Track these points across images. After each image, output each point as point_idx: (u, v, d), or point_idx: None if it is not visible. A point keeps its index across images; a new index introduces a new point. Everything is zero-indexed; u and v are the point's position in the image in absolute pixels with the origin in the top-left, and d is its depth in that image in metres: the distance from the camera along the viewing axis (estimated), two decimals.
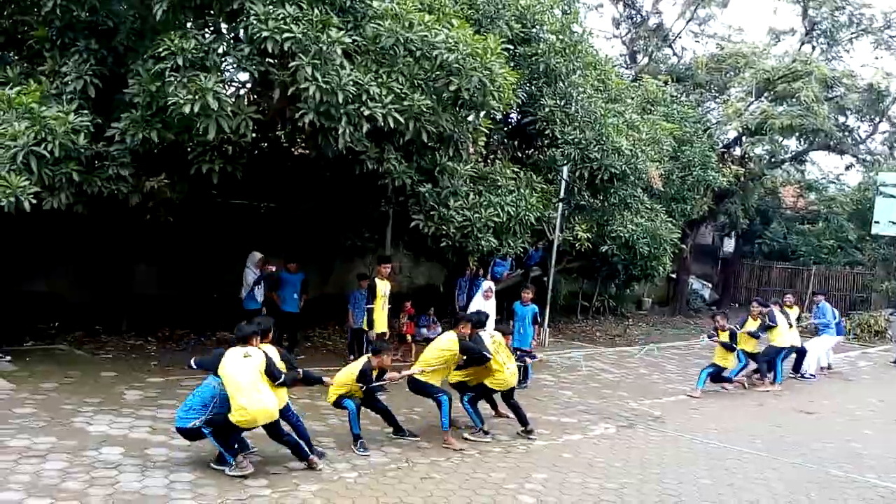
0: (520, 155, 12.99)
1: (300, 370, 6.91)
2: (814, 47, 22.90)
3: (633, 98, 15.97)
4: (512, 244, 10.80)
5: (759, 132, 20.33)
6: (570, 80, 12.00)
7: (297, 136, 10.36)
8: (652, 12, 24.42)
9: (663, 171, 15.29)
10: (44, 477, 5.81)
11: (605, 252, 14.92)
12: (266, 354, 6.34)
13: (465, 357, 7.73)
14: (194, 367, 6.52)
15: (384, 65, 8.49)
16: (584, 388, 11.11)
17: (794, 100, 20.20)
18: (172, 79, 7.75)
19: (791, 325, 12.71)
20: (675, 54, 24.96)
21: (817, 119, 19.64)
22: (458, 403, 7.97)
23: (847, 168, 26.21)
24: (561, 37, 11.89)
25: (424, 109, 8.46)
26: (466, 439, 7.77)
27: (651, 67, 22.71)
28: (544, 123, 11.79)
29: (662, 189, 15.88)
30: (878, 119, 23.58)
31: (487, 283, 11.99)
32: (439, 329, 8.27)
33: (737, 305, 25.47)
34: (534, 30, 11.85)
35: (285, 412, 6.66)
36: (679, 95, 20.86)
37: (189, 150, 8.76)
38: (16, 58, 9.39)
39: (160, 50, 7.86)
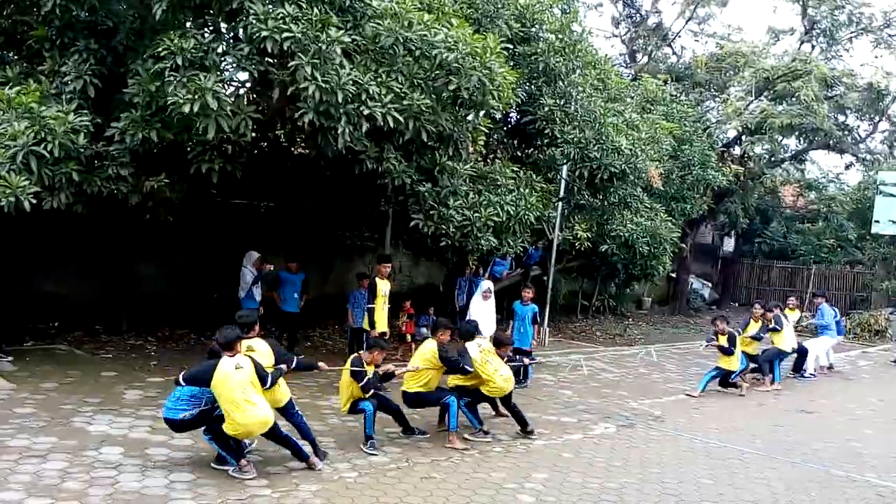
0: (519, 154, 12.98)
1: (293, 358, 6.84)
2: (813, 46, 22.90)
3: (632, 97, 15.98)
4: (511, 243, 10.80)
5: (759, 131, 20.33)
6: (570, 79, 11.99)
7: (296, 135, 10.37)
8: (651, 11, 24.45)
9: (663, 171, 15.30)
10: (44, 477, 5.81)
11: (604, 251, 14.92)
12: (252, 361, 6.19)
13: (445, 366, 7.67)
14: (183, 383, 6.17)
15: (384, 64, 8.48)
16: (584, 387, 11.11)
17: (793, 99, 20.20)
18: (172, 78, 7.74)
19: (792, 328, 12.78)
20: (674, 53, 24.98)
21: (817, 118, 19.65)
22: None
23: (847, 167, 26.26)
24: (560, 36, 11.88)
25: (424, 109, 8.45)
26: (467, 440, 7.76)
27: (650, 66, 22.71)
28: (544, 123, 11.79)
29: (662, 188, 15.89)
30: (877, 118, 23.58)
31: (486, 284, 11.99)
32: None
33: (737, 305, 25.50)
34: (533, 29, 11.85)
35: (289, 410, 6.66)
36: (678, 94, 20.86)
37: (189, 149, 8.76)
38: (15, 57, 9.39)
39: (160, 49, 7.85)
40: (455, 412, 7.51)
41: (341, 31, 8.01)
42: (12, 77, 8.58)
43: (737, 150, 22.81)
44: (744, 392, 11.22)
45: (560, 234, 14.00)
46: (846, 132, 23.54)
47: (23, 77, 8.63)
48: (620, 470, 7.24)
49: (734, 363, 11.17)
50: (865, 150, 24.48)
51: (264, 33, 7.63)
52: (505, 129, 12.89)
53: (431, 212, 10.12)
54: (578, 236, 14.18)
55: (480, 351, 7.86)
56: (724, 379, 11.25)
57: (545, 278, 14.99)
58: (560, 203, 13.35)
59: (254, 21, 7.66)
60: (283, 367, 6.60)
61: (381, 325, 10.10)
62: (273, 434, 6.24)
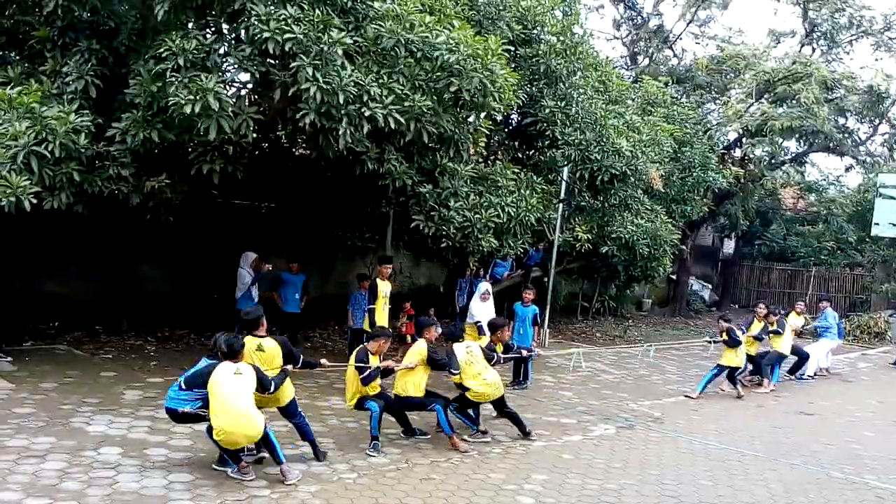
0: (520, 156, 12.99)
1: (300, 357, 6.82)
2: (814, 49, 22.92)
3: (633, 99, 15.99)
4: (512, 245, 10.80)
5: (759, 133, 20.34)
6: (571, 81, 12.00)
7: (297, 136, 10.37)
8: (652, 14, 24.47)
9: (663, 173, 15.30)
10: (42, 477, 5.81)
11: (605, 253, 14.92)
12: (255, 368, 6.16)
13: (431, 366, 7.69)
14: (184, 386, 6.16)
15: (385, 65, 8.49)
16: (584, 388, 11.11)
17: (794, 101, 20.22)
18: (173, 79, 7.75)
19: (795, 332, 12.81)
20: (675, 56, 25.00)
21: (817, 121, 19.66)
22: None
23: (847, 169, 26.24)
24: (562, 38, 11.89)
25: (425, 110, 8.46)
26: (465, 440, 7.77)
27: (651, 69, 22.73)
28: (545, 124, 11.79)
29: (662, 190, 15.89)
30: (877, 121, 23.58)
31: (485, 286, 12.00)
32: (440, 329, 8.27)
33: (737, 307, 25.49)
34: (534, 31, 11.85)
35: (291, 410, 6.65)
36: (679, 97, 20.90)
37: (190, 150, 8.76)
38: (17, 58, 9.39)
39: (161, 50, 7.86)
40: (444, 419, 7.51)
41: (343, 33, 8.02)
42: (14, 77, 8.59)
43: (737, 153, 22.83)
44: (742, 394, 11.22)
45: (560, 236, 14.00)
46: (846, 135, 23.54)
47: (24, 77, 8.64)
48: (620, 471, 7.24)
49: (736, 359, 11.13)
50: (865, 153, 24.49)
51: (266, 34, 7.64)
52: (506, 130, 12.90)
53: (432, 213, 10.13)
54: (579, 238, 14.18)
55: (467, 352, 7.85)
56: (731, 374, 11.25)
57: (545, 279, 15.00)
58: (560, 204, 13.35)
59: (255, 22, 7.67)
60: (289, 367, 6.59)
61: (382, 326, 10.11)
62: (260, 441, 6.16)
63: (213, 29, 8.90)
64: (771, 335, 12.28)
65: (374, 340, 7.45)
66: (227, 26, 8.74)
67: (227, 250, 11.50)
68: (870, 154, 24.55)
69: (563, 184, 13.00)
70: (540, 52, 11.60)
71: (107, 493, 5.62)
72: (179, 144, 8.62)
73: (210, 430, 6.08)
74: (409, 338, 12.21)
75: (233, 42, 8.51)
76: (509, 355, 9.21)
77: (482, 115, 9.98)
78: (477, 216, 10.05)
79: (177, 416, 6.32)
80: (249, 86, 9.21)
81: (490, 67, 8.67)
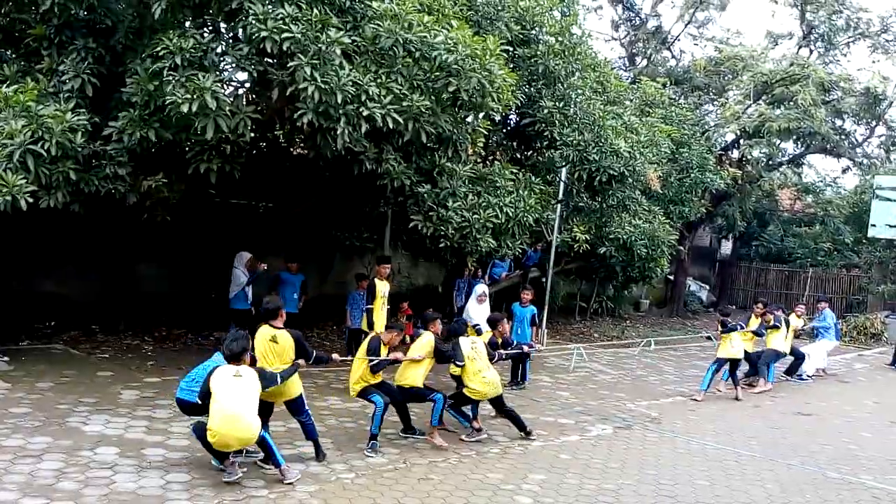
0: (518, 156, 13.00)
1: (312, 352, 6.79)
2: (811, 51, 22.97)
3: (631, 100, 16.03)
4: (510, 245, 10.81)
5: (757, 135, 20.38)
6: (569, 81, 12.01)
7: (295, 135, 10.36)
8: (651, 15, 24.52)
9: (661, 174, 15.32)
10: (39, 477, 5.78)
11: (603, 253, 14.95)
12: (258, 370, 6.14)
13: (436, 358, 7.78)
14: (200, 402, 6.09)
15: (383, 65, 8.48)
16: (582, 389, 11.11)
17: (791, 103, 20.26)
18: (170, 78, 7.73)
19: (794, 333, 12.84)
20: (673, 57, 25.07)
21: (814, 122, 19.70)
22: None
23: (844, 171, 26.33)
24: (560, 39, 11.90)
25: (423, 110, 8.45)
26: (462, 440, 7.78)
27: (649, 70, 22.78)
28: (543, 125, 11.79)
29: (660, 191, 15.92)
30: (874, 122, 23.65)
31: (481, 288, 11.98)
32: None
33: (734, 307, 25.50)
34: (533, 31, 11.86)
35: (299, 406, 6.64)
36: (677, 98, 20.94)
37: (187, 149, 8.74)
38: (13, 56, 9.36)
39: (158, 49, 7.84)
40: (439, 409, 7.56)
41: (341, 32, 8.01)
42: (10, 75, 8.57)
43: (735, 154, 22.87)
44: (741, 397, 11.21)
45: (559, 236, 14.01)
46: (843, 136, 23.60)
47: (20, 75, 8.62)
48: (617, 471, 7.24)
49: (732, 350, 11.08)
50: (862, 155, 24.55)
51: (263, 33, 7.62)
52: (504, 130, 12.90)
53: (430, 213, 10.12)
54: (577, 238, 14.20)
55: (472, 348, 7.89)
56: (733, 369, 11.25)
57: (544, 280, 15.00)
58: (559, 205, 13.36)
59: (253, 21, 7.65)
60: (301, 362, 6.56)
61: (380, 326, 10.07)
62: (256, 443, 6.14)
63: (210, 28, 8.89)
64: (768, 330, 12.30)
65: (387, 332, 7.60)
66: (224, 25, 8.72)
67: (224, 250, 11.48)
68: (866, 156, 24.62)
69: (562, 184, 13.00)
70: (538, 52, 11.60)
71: (104, 493, 5.60)
72: (176, 143, 8.60)
73: (196, 428, 6.03)
74: (407, 338, 12.17)
75: (230, 41, 8.49)
76: (511, 351, 9.23)
77: (480, 115, 9.98)
78: (475, 216, 10.05)
79: (187, 408, 6.33)
80: (247, 85, 9.19)
81: (488, 68, 8.67)
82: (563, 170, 12.61)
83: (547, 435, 8.28)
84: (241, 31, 8.01)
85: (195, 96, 7.59)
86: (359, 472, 6.54)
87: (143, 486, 5.78)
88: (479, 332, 10.56)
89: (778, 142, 21.42)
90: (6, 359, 9.13)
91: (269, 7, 7.74)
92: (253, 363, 6.32)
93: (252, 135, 8.86)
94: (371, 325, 10.01)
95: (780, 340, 12.44)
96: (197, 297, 12.14)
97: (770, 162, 22.95)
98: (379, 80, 8.26)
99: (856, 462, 8.33)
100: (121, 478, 5.91)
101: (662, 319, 21.65)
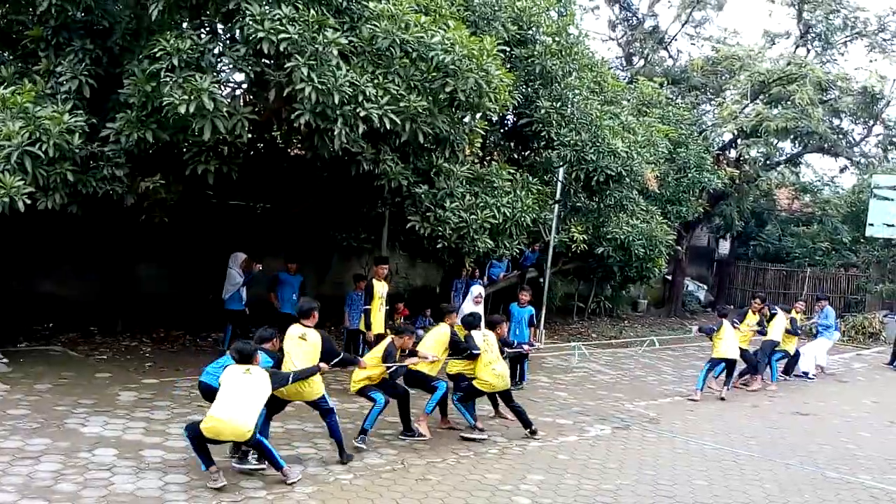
0: (516, 156, 12.99)
1: (339, 354, 6.89)
2: (808, 50, 22.98)
3: (628, 100, 16.03)
4: (508, 245, 10.81)
5: (754, 134, 20.39)
6: (566, 81, 12.01)
7: (292, 136, 10.36)
8: (648, 15, 24.51)
9: (659, 173, 15.33)
10: (37, 479, 5.78)
11: (600, 253, 14.94)
12: (268, 371, 6.18)
13: (452, 350, 7.95)
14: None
15: (380, 66, 8.48)
16: (580, 389, 11.11)
17: (788, 102, 20.28)
18: (168, 79, 7.72)
19: (790, 334, 12.84)
20: (670, 57, 25.07)
21: (812, 122, 19.72)
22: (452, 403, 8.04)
23: (841, 170, 26.33)
24: (557, 39, 11.90)
25: (420, 111, 8.45)
26: (464, 438, 7.82)
27: (647, 70, 22.78)
28: (540, 125, 11.79)
29: (658, 191, 15.92)
30: (872, 122, 23.66)
31: (478, 289, 11.96)
32: (422, 333, 8.43)
33: (732, 307, 25.53)
34: (530, 32, 11.85)
35: (322, 406, 6.67)
36: (674, 98, 20.94)
37: (184, 150, 8.73)
38: (10, 57, 9.36)
39: (156, 50, 7.83)
40: (438, 398, 7.69)
41: (338, 33, 8.01)
42: (7, 77, 8.56)
43: (732, 154, 22.88)
44: (724, 396, 11.10)
45: (556, 237, 14.01)
46: (841, 136, 23.62)
47: (18, 77, 8.61)
48: (616, 472, 7.24)
49: (719, 350, 11.07)
50: (860, 154, 24.57)
51: (261, 34, 7.62)
52: (501, 131, 12.90)
53: (428, 213, 10.12)
54: (574, 238, 14.19)
55: (484, 340, 8.04)
56: (730, 368, 11.25)
57: (541, 280, 15.00)
58: (556, 205, 13.36)
59: (250, 22, 7.65)
60: (323, 365, 6.57)
61: (378, 326, 10.09)
62: (248, 442, 6.09)
63: (207, 29, 8.88)
64: (768, 322, 12.35)
65: (399, 336, 7.58)
66: (221, 26, 8.72)
67: (222, 251, 11.47)
68: (864, 155, 24.64)
69: (559, 184, 13.00)
70: (535, 52, 11.60)
71: (102, 494, 5.60)
72: (174, 145, 8.59)
73: (188, 427, 6.02)
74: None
75: (227, 42, 8.49)
76: (511, 350, 9.34)
77: (478, 115, 9.98)
78: (473, 217, 10.05)
79: (206, 392, 6.40)
80: (244, 86, 9.19)
81: (485, 68, 8.67)
82: (561, 170, 12.61)
83: (545, 435, 8.28)
84: (238, 31, 8.01)
85: (192, 97, 7.59)
86: (357, 472, 6.54)
87: (141, 488, 5.78)
88: None
89: (775, 141, 21.44)
90: (5, 360, 9.11)
91: (266, 8, 7.73)
92: (280, 360, 6.48)
93: (249, 136, 8.86)
94: (368, 326, 10.02)
95: (779, 331, 12.46)
96: (195, 298, 12.13)
97: (767, 161, 22.98)
98: (376, 81, 8.26)
99: (854, 462, 8.35)
100: (119, 479, 5.91)
101: (660, 319, 21.65)
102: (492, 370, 7.86)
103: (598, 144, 11.88)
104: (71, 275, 11.61)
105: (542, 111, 11.69)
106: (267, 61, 8.21)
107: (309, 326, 6.73)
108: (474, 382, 7.93)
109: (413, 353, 7.74)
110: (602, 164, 11.92)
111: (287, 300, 11.27)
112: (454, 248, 10.31)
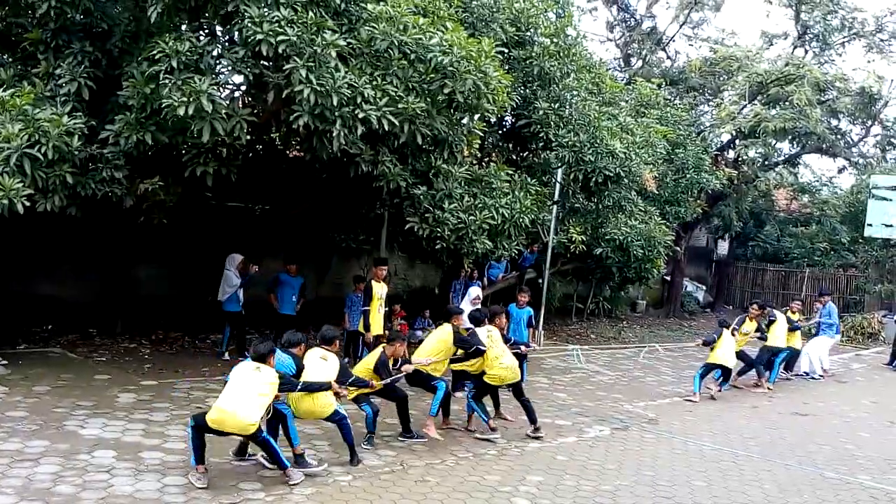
0: (514, 157, 13.01)
1: (353, 378, 6.94)
2: (806, 51, 23.02)
3: (626, 101, 16.04)
4: (506, 246, 10.83)
5: (753, 135, 20.41)
6: (564, 83, 12.03)
7: (291, 138, 10.37)
8: (646, 16, 24.53)
9: (657, 174, 15.35)
10: (36, 480, 5.78)
11: (599, 254, 14.96)
12: (279, 374, 6.21)
13: (460, 350, 7.97)
14: None
15: (379, 67, 8.49)
16: (579, 390, 11.12)
17: (786, 103, 20.31)
18: (167, 81, 7.73)
19: (792, 330, 12.86)
20: (668, 58, 25.08)
21: (810, 122, 19.74)
22: (457, 400, 8.10)
23: (840, 171, 26.37)
24: (555, 40, 11.93)
25: (419, 112, 8.47)
26: (477, 438, 7.90)
27: (645, 71, 22.80)
28: (538, 126, 11.82)
29: (656, 192, 15.94)
30: (870, 122, 23.70)
31: (476, 291, 11.96)
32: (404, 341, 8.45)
33: (731, 308, 25.55)
34: (528, 33, 11.88)
35: (334, 418, 6.69)
36: (673, 98, 20.96)
37: (183, 152, 8.75)
38: (10, 60, 9.37)
39: (154, 52, 7.85)
40: (440, 398, 7.73)
41: (336, 35, 8.02)
42: (6, 79, 8.56)
43: (730, 154, 22.90)
44: (715, 397, 11.09)
45: (555, 237, 14.02)
46: (839, 136, 23.65)
47: (17, 79, 8.62)
48: (614, 473, 7.25)
49: (718, 356, 11.05)
50: (858, 154, 24.61)
51: (259, 36, 7.63)
52: (500, 132, 12.92)
53: (426, 215, 10.14)
54: (573, 239, 14.21)
55: (488, 336, 8.06)
56: (726, 374, 11.24)
57: (540, 281, 15.01)
58: (555, 206, 13.38)
59: (249, 24, 7.66)
60: (334, 385, 6.58)
61: (377, 327, 10.11)
62: (254, 438, 6.16)
63: (206, 31, 8.90)
64: (767, 327, 12.34)
65: (390, 344, 7.61)
66: (220, 28, 8.73)
67: (221, 252, 11.48)
68: (862, 155, 24.68)
69: (557, 185, 13.02)
70: (533, 54, 11.63)
71: (101, 496, 5.60)
72: (173, 146, 8.61)
73: (195, 416, 6.07)
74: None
75: (226, 44, 8.50)
76: (509, 347, 9.30)
77: (476, 116, 9.99)
78: (471, 218, 10.07)
79: None
80: (243, 88, 9.20)
81: (483, 69, 8.69)
82: (559, 171, 12.63)
83: (544, 436, 8.29)
84: (236, 34, 8.03)
85: (191, 99, 7.61)
86: (356, 474, 6.54)
87: (140, 490, 5.79)
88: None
89: (773, 142, 21.46)
90: (4, 362, 9.12)
91: (265, 10, 7.75)
92: (301, 369, 6.58)
93: (248, 137, 8.87)
94: (367, 327, 10.03)
95: (779, 336, 12.45)
96: (194, 299, 12.13)
97: (766, 162, 23.00)
98: (374, 83, 8.27)
99: (854, 462, 8.36)
100: (118, 481, 5.91)
101: (659, 320, 21.67)
102: (500, 364, 7.94)
103: (597, 145, 11.90)
104: (70, 276, 11.61)
105: (541, 112, 11.71)
106: (266, 63, 8.23)
107: (332, 350, 6.90)
108: (485, 378, 7.99)
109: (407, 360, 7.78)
110: (600, 165, 11.94)
111: (286, 301, 11.27)
112: (453, 249, 10.32)
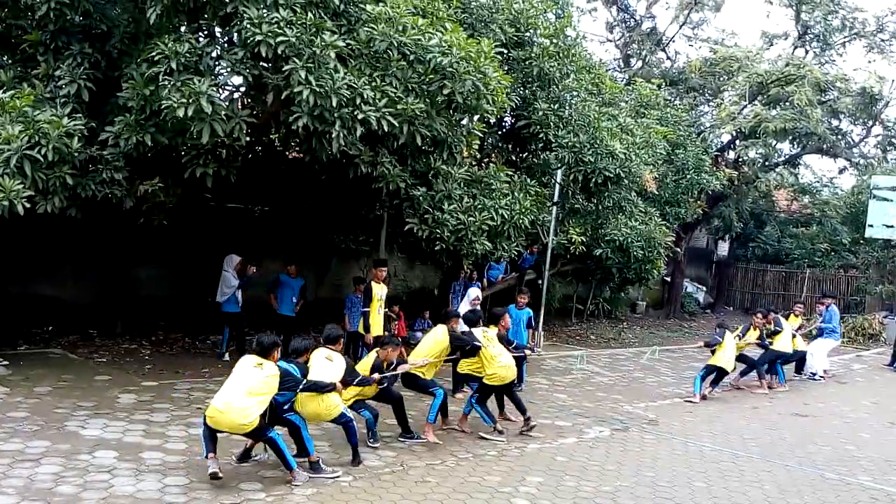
0: (514, 158, 13.01)
1: (358, 378, 6.97)
2: (807, 51, 23.01)
3: (626, 102, 16.04)
4: (506, 248, 10.83)
5: (753, 136, 20.40)
6: (564, 83, 12.04)
7: (290, 139, 10.37)
8: (645, 16, 24.53)
9: (657, 175, 15.36)
10: (37, 481, 5.79)
11: (599, 255, 14.95)
12: (282, 372, 6.21)
13: (457, 351, 7.99)
14: None
15: (378, 68, 8.50)
16: (579, 391, 11.12)
17: (787, 103, 20.30)
18: (166, 82, 7.74)
19: (794, 335, 12.86)
20: (668, 58, 25.08)
21: (810, 122, 19.73)
22: (455, 400, 8.06)
23: (840, 171, 26.34)
24: (554, 41, 11.93)
25: (418, 113, 8.47)
26: (483, 438, 7.91)
27: (645, 71, 22.80)
28: (538, 127, 11.82)
29: (656, 192, 15.95)
30: (870, 122, 23.67)
31: (475, 292, 11.96)
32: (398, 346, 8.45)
33: (731, 309, 25.56)
34: (527, 34, 11.88)
35: (340, 420, 6.72)
36: (673, 99, 20.98)
37: (183, 153, 8.76)
38: (9, 62, 9.37)
39: (154, 54, 7.86)
40: (438, 405, 7.72)
41: (335, 36, 8.03)
42: (6, 81, 8.58)
43: (731, 155, 22.89)
44: (707, 396, 11.07)
45: (554, 239, 14.02)
46: (840, 136, 23.64)
47: (17, 81, 8.63)
48: (615, 473, 7.25)
49: (720, 359, 11.04)
50: (859, 155, 24.58)
51: (258, 38, 7.64)
52: (499, 133, 12.92)
53: (426, 216, 10.14)
54: (573, 240, 14.20)
55: (484, 336, 8.09)
56: (720, 377, 11.22)
57: (540, 282, 15.01)
58: (554, 207, 13.37)
59: (248, 25, 7.67)
60: (338, 385, 6.62)
61: (377, 328, 10.11)
62: (256, 435, 6.19)
63: (205, 32, 8.92)
64: (771, 336, 12.31)
65: (383, 349, 7.58)
66: (219, 29, 8.74)
67: (220, 253, 11.50)
68: (863, 156, 24.65)
69: (557, 186, 13.02)
70: (533, 54, 11.63)
71: (102, 496, 5.60)
72: (172, 148, 8.62)
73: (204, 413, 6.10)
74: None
75: (225, 45, 8.52)
76: (512, 349, 9.27)
77: (475, 117, 10.01)
78: (471, 219, 10.07)
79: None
80: (242, 89, 9.21)
81: (483, 70, 8.70)
82: (559, 172, 12.63)
83: (544, 437, 8.29)
84: (235, 35, 8.04)
85: (191, 101, 7.62)
86: (356, 474, 6.54)
87: (141, 490, 5.79)
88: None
89: (774, 142, 21.45)
90: (4, 363, 9.13)
91: (264, 11, 7.76)
92: (307, 373, 6.56)
93: (247, 139, 8.88)
94: (367, 328, 10.03)
95: (785, 343, 12.43)
96: (194, 300, 12.14)
97: (766, 163, 22.98)
98: (373, 84, 8.28)
99: (854, 463, 8.36)
100: (119, 481, 5.91)
101: (659, 321, 21.66)
102: (498, 363, 7.95)
103: (596, 146, 11.91)
104: (70, 277, 11.62)
105: (540, 113, 11.72)
106: (265, 64, 8.24)
107: (336, 350, 6.93)
108: (485, 380, 7.99)
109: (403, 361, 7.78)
110: (600, 166, 11.95)
111: (286, 302, 11.29)
112: (452, 250, 10.33)
